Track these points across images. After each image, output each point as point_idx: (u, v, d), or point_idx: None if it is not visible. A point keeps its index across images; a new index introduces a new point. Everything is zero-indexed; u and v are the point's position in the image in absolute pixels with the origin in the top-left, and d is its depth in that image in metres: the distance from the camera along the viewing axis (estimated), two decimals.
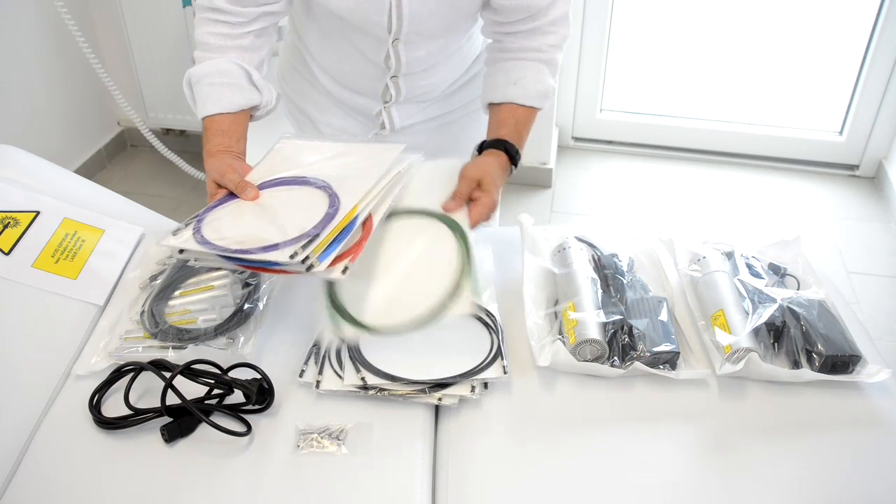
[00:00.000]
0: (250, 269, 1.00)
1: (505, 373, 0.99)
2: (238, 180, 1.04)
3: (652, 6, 2.71)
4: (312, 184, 1.06)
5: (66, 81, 2.54)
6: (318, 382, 0.98)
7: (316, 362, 1.01)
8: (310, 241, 0.94)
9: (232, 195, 1.05)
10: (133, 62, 2.54)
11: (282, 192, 1.06)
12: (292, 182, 1.07)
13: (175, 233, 0.99)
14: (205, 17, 1.12)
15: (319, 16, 1.17)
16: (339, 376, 0.98)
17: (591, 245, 1.19)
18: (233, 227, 0.99)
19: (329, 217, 0.98)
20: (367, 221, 1.02)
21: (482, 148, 1.14)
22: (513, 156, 1.13)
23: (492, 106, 1.17)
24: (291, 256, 0.91)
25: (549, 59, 1.15)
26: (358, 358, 1.00)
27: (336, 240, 0.96)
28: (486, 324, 1.06)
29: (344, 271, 0.94)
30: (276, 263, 0.93)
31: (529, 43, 1.14)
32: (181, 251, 0.97)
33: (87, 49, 2.09)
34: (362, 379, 0.97)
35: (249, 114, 1.14)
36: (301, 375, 1.00)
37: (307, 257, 0.92)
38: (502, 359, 1.00)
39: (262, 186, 1.06)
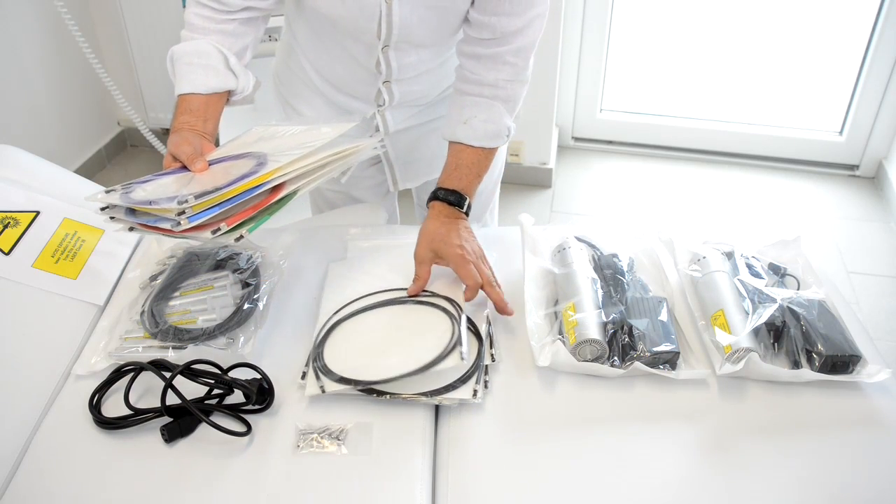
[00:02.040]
0: (146, 228, 0.96)
1: (462, 359, 0.97)
2: (191, 153, 1.04)
3: (652, 6, 2.71)
4: (253, 156, 1.04)
5: (66, 81, 2.54)
6: (322, 388, 0.97)
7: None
8: (203, 195, 0.91)
9: (185, 168, 1.05)
10: (133, 62, 2.55)
11: (226, 164, 1.04)
12: (239, 157, 1.05)
13: (108, 190, 0.99)
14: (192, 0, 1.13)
15: (312, 19, 1.17)
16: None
17: (591, 245, 1.19)
18: (160, 188, 0.99)
19: (239, 179, 0.95)
20: (277, 189, 0.98)
21: (428, 201, 1.16)
22: (450, 202, 1.13)
23: (449, 141, 1.18)
24: (180, 204, 0.90)
25: (507, 95, 1.14)
26: (319, 365, 1.00)
27: (228, 202, 0.93)
28: (447, 312, 1.06)
29: (214, 232, 0.92)
30: (161, 218, 0.92)
31: (486, 74, 1.12)
32: (104, 208, 0.98)
33: (87, 49, 2.09)
34: (321, 388, 0.96)
35: (225, 98, 1.14)
36: (303, 377, 1.00)
37: (183, 212, 0.90)
38: (460, 345, 0.98)
39: (213, 162, 1.05)
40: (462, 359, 0.97)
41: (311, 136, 1.07)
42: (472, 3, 1.08)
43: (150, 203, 0.93)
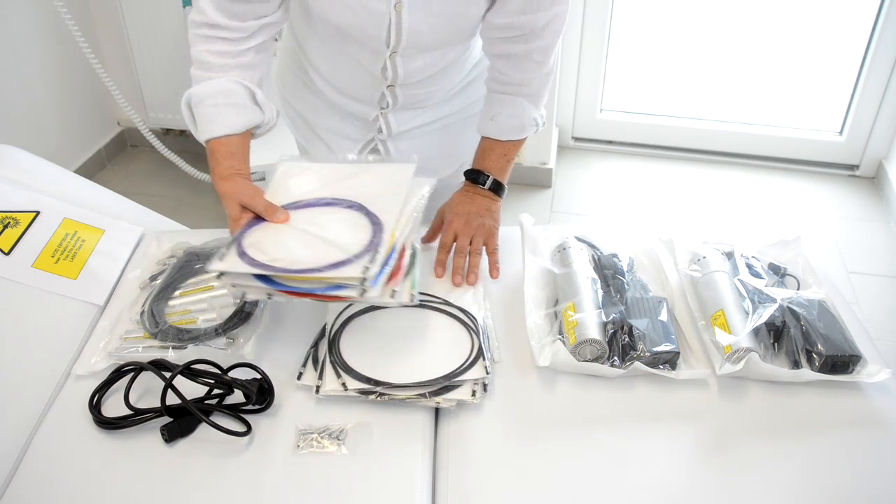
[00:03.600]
0: (293, 295, 0.95)
1: (487, 373, 0.99)
2: (266, 204, 1.03)
3: (652, 6, 2.71)
4: (341, 203, 1.05)
5: (66, 81, 2.54)
6: (317, 388, 0.97)
7: (315, 366, 1.01)
8: (374, 257, 0.93)
9: (258, 220, 1.03)
10: (133, 62, 2.55)
11: (312, 213, 1.05)
12: (318, 203, 1.06)
13: (221, 258, 0.96)
14: (201, 34, 1.09)
15: (318, 25, 1.17)
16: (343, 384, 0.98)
17: (591, 245, 1.19)
18: (280, 248, 0.97)
19: (377, 233, 0.98)
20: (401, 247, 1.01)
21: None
22: (475, 181, 1.23)
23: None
24: (364, 272, 0.91)
25: (531, 91, 1.19)
26: (339, 362, 1.00)
27: (386, 261, 0.95)
28: (465, 325, 1.06)
29: (392, 295, 0.94)
30: (341, 287, 0.92)
31: (514, 74, 1.17)
32: (220, 275, 0.95)
33: (87, 49, 2.09)
34: (343, 384, 0.96)
35: (251, 133, 1.13)
36: (299, 378, 1.00)
37: (365, 279, 0.91)
38: (483, 359, 1.00)
39: (288, 209, 1.05)
40: (487, 372, 0.99)
41: (381, 178, 1.09)
42: (493, 5, 1.08)
43: (316, 271, 0.93)
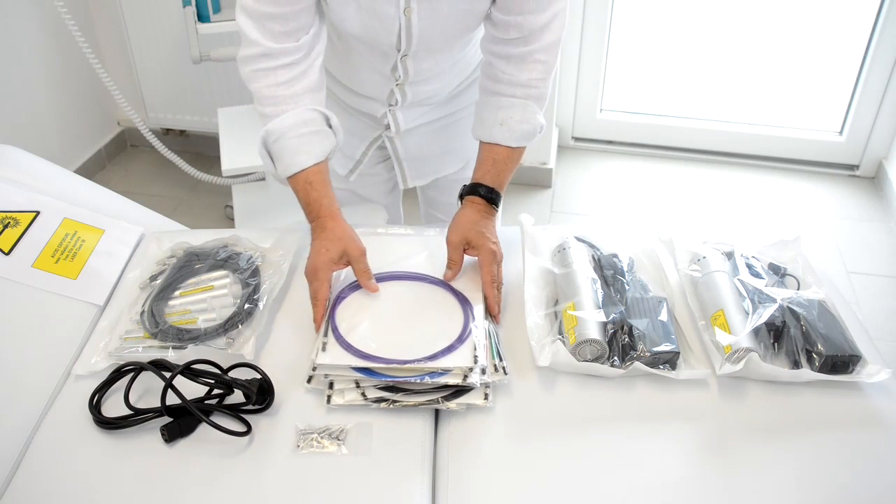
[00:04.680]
0: (392, 383, 0.97)
1: (506, 373, 0.99)
2: (365, 267, 1.06)
3: (652, 6, 2.71)
4: (423, 279, 1.11)
5: (66, 81, 2.53)
6: (329, 398, 0.97)
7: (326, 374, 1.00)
8: (477, 343, 0.99)
9: (349, 286, 1.08)
10: (133, 62, 2.54)
11: (397, 288, 1.10)
12: (404, 277, 1.12)
13: (323, 349, 0.99)
14: (260, 69, 1.06)
15: (328, 29, 1.16)
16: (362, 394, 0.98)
17: (591, 245, 1.19)
18: (380, 334, 1.01)
19: (467, 314, 1.05)
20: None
21: (462, 195, 1.18)
22: (488, 199, 1.15)
23: (480, 140, 1.19)
24: (473, 360, 0.96)
25: (538, 94, 1.15)
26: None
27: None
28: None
29: (483, 371, 0.97)
30: (442, 374, 0.95)
31: (519, 75, 1.13)
32: (314, 367, 0.97)
33: (87, 49, 2.09)
34: (363, 394, 0.96)
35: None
36: (309, 381, 0.99)
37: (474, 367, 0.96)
38: (501, 360, 1.01)
39: (377, 279, 1.09)
40: (505, 373, 1.00)
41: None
42: (494, 3, 1.08)
43: (425, 360, 0.96)
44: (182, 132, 2.71)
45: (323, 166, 1.10)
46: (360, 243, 1.08)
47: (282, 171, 1.09)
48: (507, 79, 1.14)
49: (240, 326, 1.06)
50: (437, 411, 0.99)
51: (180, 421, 0.94)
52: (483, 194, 1.15)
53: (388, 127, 1.30)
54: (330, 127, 1.11)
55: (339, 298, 1.07)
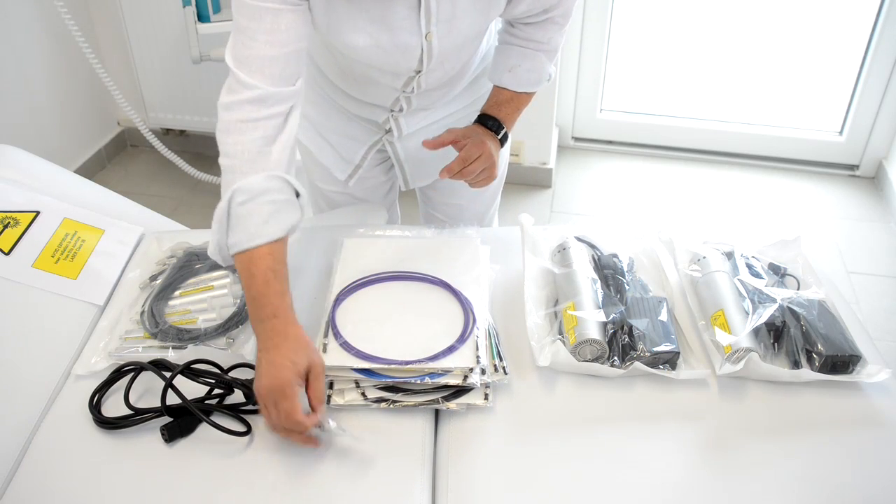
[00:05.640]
0: (394, 384, 0.97)
1: (506, 373, 0.99)
2: (323, 386, 0.90)
3: (652, 6, 2.71)
4: (424, 279, 1.11)
5: (66, 81, 2.53)
6: (329, 398, 0.97)
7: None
8: (478, 343, 0.99)
9: (342, 296, 1.08)
10: (133, 62, 2.54)
11: (397, 288, 1.10)
12: (404, 277, 1.12)
13: (323, 350, 0.98)
14: (247, 121, 0.92)
15: (338, 56, 1.15)
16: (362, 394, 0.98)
17: (591, 245, 1.19)
18: (380, 335, 1.01)
19: (468, 314, 1.05)
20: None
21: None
22: (489, 126, 1.20)
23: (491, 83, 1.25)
24: (475, 361, 0.96)
25: (550, 48, 1.20)
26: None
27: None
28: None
29: (483, 372, 0.97)
30: (443, 374, 0.95)
31: (537, 33, 1.17)
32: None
33: (87, 49, 2.09)
34: (363, 394, 0.96)
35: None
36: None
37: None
38: (501, 360, 1.01)
39: (372, 282, 1.10)
40: (505, 373, 1.00)
41: (456, 254, 1.17)
42: (509, 2, 1.08)
43: (427, 360, 0.96)
44: (182, 132, 2.71)
45: (284, 248, 0.95)
46: (321, 356, 0.93)
47: (241, 241, 0.92)
48: (524, 35, 1.19)
49: (240, 326, 1.06)
50: (437, 411, 0.99)
51: (180, 421, 0.94)
52: (490, 126, 1.21)
53: (388, 131, 1.29)
54: (300, 205, 0.99)
55: (340, 299, 1.07)
